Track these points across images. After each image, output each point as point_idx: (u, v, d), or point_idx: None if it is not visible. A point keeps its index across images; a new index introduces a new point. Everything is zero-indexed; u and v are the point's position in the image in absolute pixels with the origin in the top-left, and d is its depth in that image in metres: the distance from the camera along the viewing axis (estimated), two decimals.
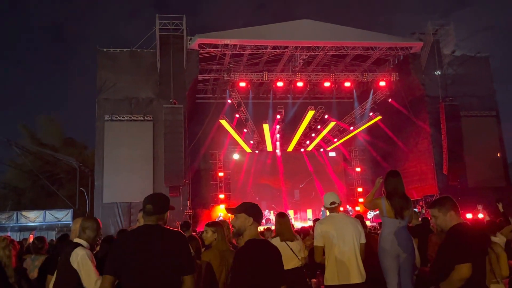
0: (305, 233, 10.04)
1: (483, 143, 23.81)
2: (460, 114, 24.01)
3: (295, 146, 29.58)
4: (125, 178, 21.82)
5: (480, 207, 20.59)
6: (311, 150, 30.20)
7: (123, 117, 22.61)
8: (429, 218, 7.36)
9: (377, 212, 5.45)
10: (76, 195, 25.91)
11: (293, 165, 29.81)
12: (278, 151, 29.63)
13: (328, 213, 4.93)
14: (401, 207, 4.99)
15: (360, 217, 7.60)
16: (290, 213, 27.85)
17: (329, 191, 5.25)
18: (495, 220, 7.34)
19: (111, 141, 22.22)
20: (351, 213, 26.80)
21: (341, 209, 5.11)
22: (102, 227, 4.32)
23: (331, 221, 4.81)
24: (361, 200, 29.44)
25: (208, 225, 4.74)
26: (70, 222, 24.47)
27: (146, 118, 22.72)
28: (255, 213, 3.33)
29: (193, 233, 6.90)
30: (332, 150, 30.62)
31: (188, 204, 23.18)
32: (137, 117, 22.68)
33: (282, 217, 5.45)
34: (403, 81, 25.27)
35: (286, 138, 29.13)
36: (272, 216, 27.20)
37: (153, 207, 3.28)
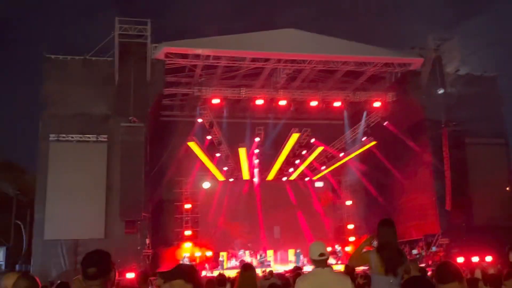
0: (284, 282, 9.93)
1: (491, 174, 24.15)
2: (465, 141, 24.48)
3: (276, 174, 29.61)
4: (72, 210, 21.39)
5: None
6: (294, 179, 30.28)
7: (72, 137, 22.36)
8: (427, 270, 7.36)
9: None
10: (11, 230, 25.23)
11: (274, 197, 29.68)
12: (256, 180, 29.57)
13: (310, 267, 4.88)
14: (393, 263, 4.98)
15: (350, 272, 7.57)
16: (269, 253, 27.70)
17: (317, 240, 5.23)
18: (502, 271, 7.34)
19: (56, 165, 21.88)
20: (340, 255, 26.82)
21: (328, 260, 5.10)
22: (41, 272, 4.09)
23: (316, 279, 4.75)
24: (352, 239, 29.51)
25: (161, 275, 4.60)
26: (2, 262, 23.69)
27: (99, 139, 22.52)
28: (194, 278, 3.26)
29: None
30: (319, 179, 30.73)
31: (147, 242, 22.90)
32: (89, 137, 22.46)
33: (246, 270, 5.42)
34: (400, 102, 25.72)
35: (265, 165, 29.14)
36: (247, 257, 26.95)
37: (97, 269, 3.25)
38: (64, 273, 20.70)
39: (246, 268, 5.46)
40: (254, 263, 26.07)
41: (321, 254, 4.83)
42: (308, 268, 21.05)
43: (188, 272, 3.28)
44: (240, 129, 28.19)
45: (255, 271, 5.51)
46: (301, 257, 26.45)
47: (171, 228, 28.14)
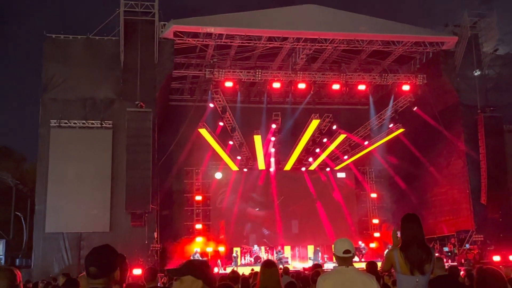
0: (303, 281, 9.97)
1: None
2: (504, 129, 24.20)
3: (294, 164, 29.65)
4: (75, 201, 21.73)
5: None
6: (314, 169, 30.31)
7: (75, 123, 22.59)
8: (459, 268, 7.33)
9: None
10: (11, 222, 25.68)
11: (291, 189, 29.84)
12: (272, 170, 29.63)
13: (331, 264, 4.90)
14: (420, 260, 4.98)
15: (374, 268, 7.52)
16: (286, 250, 27.86)
17: (343, 237, 5.17)
18: None
19: (58, 153, 22.16)
20: (364, 251, 26.85)
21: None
22: (43, 267, 4.16)
23: (339, 278, 4.73)
24: (377, 234, 29.50)
25: (169, 272, 4.63)
26: (1, 256, 24.19)
27: (104, 125, 22.72)
28: (205, 274, 3.31)
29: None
30: (341, 170, 30.69)
31: (156, 236, 23.15)
32: (92, 123, 22.67)
33: (268, 267, 5.38)
34: (432, 85, 25.47)
35: (283, 154, 29.18)
36: (263, 254, 27.11)
37: (98, 270, 3.31)
38: (67, 268, 21.07)
39: (269, 265, 5.42)
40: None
41: (346, 251, 4.80)
42: (329, 265, 21.19)
43: (198, 267, 3.29)
44: (255, 114, 28.22)
45: (278, 268, 5.47)
46: (320, 254, 26.59)
47: (181, 221, 28.43)
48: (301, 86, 25.03)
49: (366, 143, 28.38)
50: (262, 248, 27.98)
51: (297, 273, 13.19)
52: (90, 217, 21.78)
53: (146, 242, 22.39)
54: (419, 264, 5.00)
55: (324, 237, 28.40)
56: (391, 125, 27.12)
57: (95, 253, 3.39)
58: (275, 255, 27.12)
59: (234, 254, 26.86)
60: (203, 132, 25.71)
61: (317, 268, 9.67)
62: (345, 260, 4.78)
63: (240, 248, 28.05)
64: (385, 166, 30.09)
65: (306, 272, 15.81)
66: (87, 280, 3.36)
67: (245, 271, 23.25)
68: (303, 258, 28.66)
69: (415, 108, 26.26)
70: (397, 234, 5.42)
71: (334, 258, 5.08)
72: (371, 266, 7.73)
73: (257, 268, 19.45)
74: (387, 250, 5.44)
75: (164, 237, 25.34)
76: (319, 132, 27.81)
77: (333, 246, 4.93)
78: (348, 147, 29.30)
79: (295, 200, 29.76)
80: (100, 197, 22.13)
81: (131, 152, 22.13)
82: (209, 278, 3.27)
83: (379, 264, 7.86)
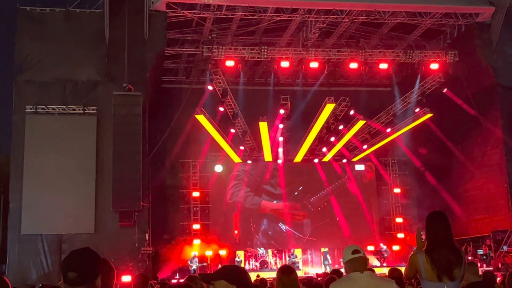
0: None
1: None
2: None
3: (305, 155, 29.63)
4: (55, 199, 21.77)
5: None
6: (328, 160, 30.25)
7: (54, 109, 22.61)
8: (495, 274, 7.28)
9: None
10: None
11: (303, 183, 29.84)
12: (280, 162, 29.63)
13: (344, 268, 4.80)
14: (448, 264, 4.95)
15: (398, 275, 7.49)
16: (297, 253, 27.90)
17: (351, 244, 5.11)
18: None
19: (34, 143, 22.16)
20: (386, 255, 26.87)
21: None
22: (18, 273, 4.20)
23: (352, 286, 4.70)
24: (400, 235, 29.48)
25: (202, 277, 4.68)
26: None
27: (87, 111, 22.73)
28: (240, 279, 3.37)
29: None
30: (359, 161, 30.66)
31: (147, 238, 23.25)
32: (74, 109, 22.68)
33: (287, 274, 5.35)
34: (464, 63, 25.33)
35: (292, 143, 29.16)
36: (270, 258, 27.18)
37: (78, 275, 3.29)
38: (46, 274, 21.20)
39: (287, 271, 5.39)
40: (279, 265, 26.32)
41: (355, 251, 4.80)
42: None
43: (233, 272, 3.42)
44: (261, 98, 28.16)
45: (296, 275, 5.43)
46: (329, 257, 26.70)
47: (176, 221, 28.49)
48: (313, 65, 24.93)
49: (388, 130, 28.27)
50: (269, 251, 28.03)
51: (307, 280, 13.20)
52: (72, 216, 21.82)
53: (136, 244, 22.44)
54: (448, 269, 4.96)
55: (339, 239, 28.44)
56: (417, 110, 27.03)
57: (74, 256, 3.38)
58: (286, 259, 27.24)
59: (237, 259, 26.95)
60: (201, 118, 25.66)
61: (333, 274, 9.63)
62: (356, 263, 4.76)
63: (244, 251, 28.11)
64: (411, 157, 30.00)
65: (319, 278, 15.84)
66: (65, 287, 3.32)
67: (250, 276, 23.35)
68: (316, 263, 28.71)
69: (445, 90, 26.17)
70: (421, 234, 5.39)
71: (344, 270, 5.05)
72: (394, 274, 7.72)
73: (264, 275, 19.58)
74: (411, 254, 5.38)
75: (157, 239, 25.40)
76: (334, 118, 27.70)
77: (342, 255, 4.94)
78: (368, 135, 29.24)
79: (306, 196, 29.78)
80: (83, 194, 22.18)
81: (118, 142, 22.15)
82: (245, 284, 3.38)
83: (403, 269, 7.84)
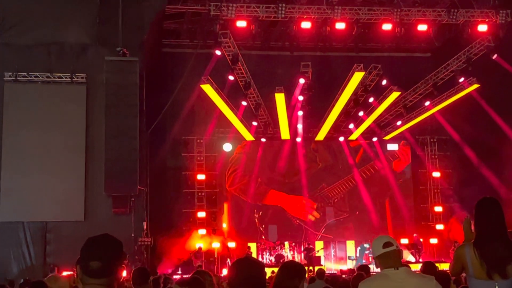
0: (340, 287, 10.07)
1: None
2: None
3: (329, 132, 29.63)
4: (38, 181, 22.02)
5: None
6: (356, 139, 30.30)
7: (37, 76, 22.76)
8: None
9: None
10: None
11: (326, 165, 29.91)
12: (299, 140, 29.72)
13: (375, 263, 4.78)
14: (500, 259, 4.98)
15: (435, 272, 7.45)
16: (318, 245, 28.24)
17: (382, 234, 5.14)
18: None
19: (14, 116, 22.39)
20: (422, 249, 26.94)
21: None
22: None
23: (385, 284, 4.75)
24: (440, 227, 29.65)
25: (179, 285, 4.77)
26: None
27: (75, 79, 22.86)
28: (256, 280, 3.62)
29: None
30: (392, 140, 30.67)
31: (145, 227, 23.53)
32: (60, 77, 22.81)
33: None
34: None
35: (314, 118, 29.20)
36: (287, 252, 27.31)
37: (102, 264, 3.45)
38: (28, 268, 21.48)
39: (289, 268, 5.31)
40: (297, 259, 26.51)
41: (387, 244, 4.79)
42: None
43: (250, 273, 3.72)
44: (277, 65, 28.23)
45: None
46: (367, 252, 26.95)
47: (178, 208, 28.50)
48: (340, 26, 24.72)
49: (427, 103, 28.11)
50: (286, 243, 28.31)
51: (333, 277, 13.36)
52: (58, 201, 22.08)
53: (133, 234, 22.83)
54: (499, 265, 4.99)
55: (368, 230, 28.62)
56: (461, 80, 26.80)
57: (96, 243, 3.55)
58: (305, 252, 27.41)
59: (248, 252, 26.97)
60: (207, 89, 25.53)
61: (360, 271, 9.77)
62: (389, 257, 4.76)
63: (257, 243, 28.43)
64: (453, 135, 29.83)
65: (344, 276, 16.00)
66: (83, 280, 3.48)
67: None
68: (340, 259, 28.99)
69: (494, 56, 25.89)
70: (470, 224, 5.40)
71: (374, 266, 5.06)
72: (428, 268, 7.80)
73: None
74: (458, 247, 5.39)
75: (156, 228, 25.62)
76: (364, 89, 27.47)
77: (371, 248, 4.97)
78: (403, 110, 29.01)
79: (329, 180, 29.95)
80: (71, 175, 22.45)
81: (111, 115, 22.33)
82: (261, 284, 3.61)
83: (442, 266, 7.82)
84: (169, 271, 24.51)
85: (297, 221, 29.41)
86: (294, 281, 4.97)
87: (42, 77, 22.79)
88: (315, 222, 29.61)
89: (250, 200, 29.27)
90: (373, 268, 23.03)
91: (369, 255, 26.75)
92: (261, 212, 29.44)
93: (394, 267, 4.71)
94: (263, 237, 29.07)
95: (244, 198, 29.34)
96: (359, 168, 30.35)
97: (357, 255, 28.21)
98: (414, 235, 27.98)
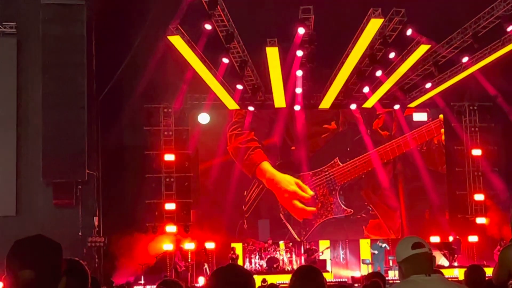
0: None
1: None
2: None
3: (337, 98, 29.74)
4: None
5: None
6: (373, 106, 30.43)
7: None
8: None
9: None
10: None
11: (333, 141, 30.06)
12: (298, 108, 29.84)
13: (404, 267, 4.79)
14: None
15: (480, 282, 7.49)
16: (323, 245, 28.41)
17: (409, 236, 5.21)
18: None
19: None
20: (458, 250, 27.08)
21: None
22: None
23: None
24: (481, 220, 29.76)
25: None
26: None
27: (2, 29, 22.82)
28: None
29: None
30: (420, 107, 30.82)
31: (96, 223, 23.69)
32: None
33: (308, 279, 5.44)
34: None
35: (317, 81, 29.16)
36: (282, 254, 27.39)
37: (36, 273, 3.39)
38: None
39: (308, 275, 5.48)
40: (295, 264, 26.65)
41: (417, 245, 4.84)
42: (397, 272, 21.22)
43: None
44: (269, 11, 27.97)
45: (322, 277, 5.51)
46: (383, 254, 27.08)
47: (140, 199, 28.50)
48: None
49: (465, 60, 27.97)
50: (281, 243, 28.48)
51: (339, 286, 13.52)
52: None
53: (80, 233, 23.12)
54: None
55: (388, 227, 28.85)
56: (509, 29, 26.76)
57: (27, 247, 3.46)
58: (305, 255, 27.52)
59: (232, 255, 27.10)
60: (177, 42, 25.37)
61: (375, 278, 9.90)
62: (419, 261, 4.80)
63: (243, 244, 28.67)
64: (500, 101, 29.96)
65: (357, 285, 16.18)
66: None
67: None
68: (352, 263, 29.20)
69: None
70: None
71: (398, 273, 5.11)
72: (474, 274, 7.78)
73: (273, 279, 19.81)
74: (504, 248, 5.45)
75: (111, 225, 25.77)
76: (383, 40, 27.19)
77: (396, 250, 5.00)
78: (433, 68, 28.92)
79: (338, 161, 30.05)
80: None
81: (51, 78, 22.39)
82: None
83: (488, 271, 7.87)
84: (129, 280, 24.64)
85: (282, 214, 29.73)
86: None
87: None
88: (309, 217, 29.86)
89: (242, 168, 29.59)
90: (391, 274, 23.13)
91: (389, 258, 27.05)
92: (250, 202, 29.72)
93: (425, 273, 4.75)
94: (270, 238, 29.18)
95: (237, 163, 29.68)
96: (377, 145, 30.43)
97: (376, 255, 28.04)
98: (451, 237, 28.08)
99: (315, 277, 5.37)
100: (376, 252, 27.65)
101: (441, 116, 31.25)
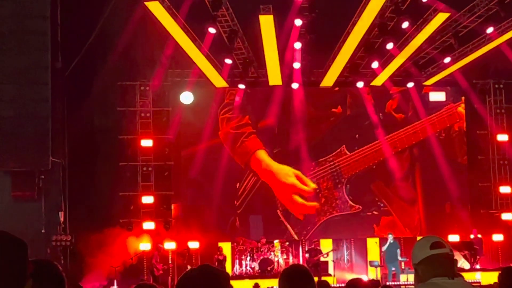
0: None
1: None
2: None
3: (341, 75, 29.77)
4: None
5: None
6: (382, 84, 30.39)
7: None
8: None
9: None
10: None
11: (337, 124, 29.84)
12: (296, 85, 29.87)
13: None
14: None
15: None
16: (324, 245, 28.37)
17: (427, 235, 5.30)
18: None
19: None
20: (480, 250, 26.83)
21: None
22: None
23: None
24: (507, 216, 29.59)
25: None
26: None
27: None
28: None
29: None
30: (438, 85, 30.96)
31: (62, 219, 23.87)
32: None
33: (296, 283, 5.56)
34: None
35: (319, 54, 29.06)
36: (278, 255, 27.47)
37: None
38: None
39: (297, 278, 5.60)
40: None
41: (436, 244, 4.97)
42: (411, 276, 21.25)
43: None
44: None
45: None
46: (399, 251, 27.24)
47: (113, 190, 28.61)
48: None
49: (489, 30, 27.72)
50: (276, 243, 28.62)
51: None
52: None
53: (43, 230, 23.31)
54: None
55: (402, 224, 29.03)
56: None
57: None
58: (307, 255, 27.69)
59: (219, 256, 27.21)
60: (155, 8, 25.18)
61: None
62: (439, 262, 4.94)
63: (232, 243, 28.80)
64: None
65: None
66: None
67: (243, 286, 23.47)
68: (357, 265, 29.40)
69: None
70: None
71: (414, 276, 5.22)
72: (508, 277, 7.94)
73: (267, 284, 19.66)
74: None
75: (79, 221, 25.87)
76: (394, 8, 27.08)
77: (412, 252, 5.12)
78: (453, 40, 28.77)
79: (341, 146, 30.14)
80: None
81: (7, 49, 22.52)
82: None
83: None
84: (100, 284, 24.91)
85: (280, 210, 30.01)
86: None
87: None
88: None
89: (234, 157, 29.89)
90: (403, 278, 22.95)
91: (400, 258, 27.22)
92: (243, 197, 29.99)
93: (447, 276, 4.89)
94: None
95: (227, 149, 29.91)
96: (387, 129, 30.50)
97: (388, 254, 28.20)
98: (471, 235, 28.04)
99: (308, 281, 5.71)
100: (386, 249, 27.69)
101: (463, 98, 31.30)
